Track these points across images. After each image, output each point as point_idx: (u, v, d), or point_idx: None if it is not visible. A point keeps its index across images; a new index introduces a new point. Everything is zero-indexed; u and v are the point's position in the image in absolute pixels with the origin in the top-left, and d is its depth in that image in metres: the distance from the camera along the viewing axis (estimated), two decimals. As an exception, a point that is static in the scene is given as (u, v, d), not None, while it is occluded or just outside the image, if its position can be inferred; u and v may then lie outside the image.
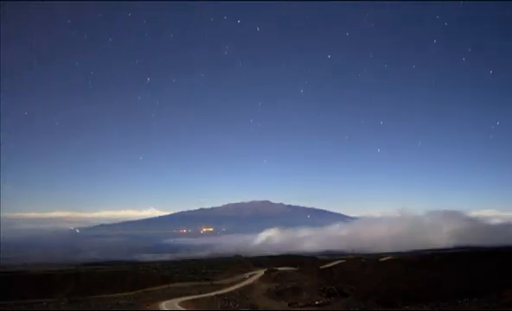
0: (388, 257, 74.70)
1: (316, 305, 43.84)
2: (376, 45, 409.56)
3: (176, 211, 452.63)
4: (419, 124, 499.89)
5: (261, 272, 63.92)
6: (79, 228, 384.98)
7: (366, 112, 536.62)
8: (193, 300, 46.91)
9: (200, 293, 51.12)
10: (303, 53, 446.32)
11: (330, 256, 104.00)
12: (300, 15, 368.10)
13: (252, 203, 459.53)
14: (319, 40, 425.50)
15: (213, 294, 50.07)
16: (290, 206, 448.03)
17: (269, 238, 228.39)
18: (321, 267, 67.17)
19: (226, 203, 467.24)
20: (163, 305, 43.79)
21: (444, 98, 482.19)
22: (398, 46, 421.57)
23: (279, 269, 65.29)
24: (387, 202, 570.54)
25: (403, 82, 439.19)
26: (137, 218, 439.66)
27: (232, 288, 53.95)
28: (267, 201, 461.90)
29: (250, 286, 55.45)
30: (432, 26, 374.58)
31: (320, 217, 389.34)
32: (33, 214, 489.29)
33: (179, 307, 42.66)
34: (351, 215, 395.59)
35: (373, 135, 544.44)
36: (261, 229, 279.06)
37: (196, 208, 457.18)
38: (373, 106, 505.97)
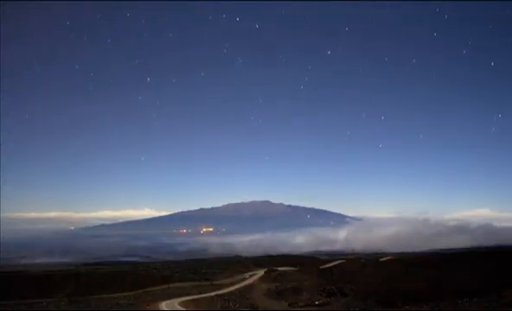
0: (388, 257, 74.73)
1: (316, 305, 43.85)
2: (376, 39, 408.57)
3: (176, 211, 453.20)
4: (420, 118, 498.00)
5: (261, 272, 63.93)
6: (79, 228, 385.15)
7: (367, 108, 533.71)
8: (193, 300, 46.90)
9: (200, 293, 51.11)
10: (302, 49, 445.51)
11: (330, 256, 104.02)
12: (299, 12, 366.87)
13: (252, 203, 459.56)
14: (319, 36, 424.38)
15: (213, 294, 50.05)
16: (290, 206, 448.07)
17: (268, 239, 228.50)
18: (321, 267, 67.16)
19: (226, 203, 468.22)
20: (163, 305, 43.78)
21: (445, 92, 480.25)
22: (398, 39, 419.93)
23: (279, 269, 65.30)
24: (387, 202, 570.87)
25: (404, 76, 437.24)
26: (137, 218, 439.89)
27: (232, 288, 53.94)
28: (267, 201, 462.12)
29: (250, 286, 55.45)
30: (433, 19, 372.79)
31: (320, 217, 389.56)
32: (33, 214, 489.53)
33: (179, 307, 42.66)
34: (351, 215, 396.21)
35: (374, 131, 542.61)
36: (261, 229, 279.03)
37: (196, 208, 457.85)
38: (373, 101, 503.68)
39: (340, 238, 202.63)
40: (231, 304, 44.99)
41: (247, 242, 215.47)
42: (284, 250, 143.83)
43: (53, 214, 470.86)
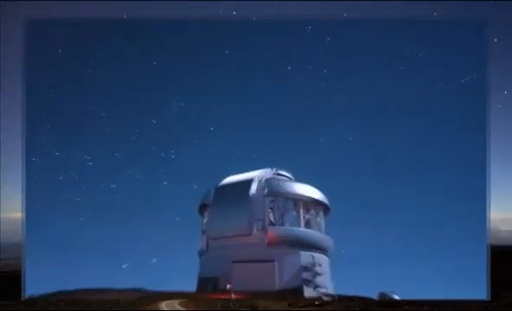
0: (388, 257, 74.34)
1: (316, 305, 43.78)
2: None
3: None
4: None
5: (261, 272, 63.58)
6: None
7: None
8: (193, 300, 46.76)
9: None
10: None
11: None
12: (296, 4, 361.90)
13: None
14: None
15: (213, 294, 49.92)
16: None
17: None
18: (321, 267, 66.83)
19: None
20: (163, 305, 43.59)
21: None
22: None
23: (279, 269, 64.90)
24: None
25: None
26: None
27: (232, 288, 53.68)
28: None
29: (250, 286, 55.12)
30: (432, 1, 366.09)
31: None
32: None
33: (179, 307, 42.52)
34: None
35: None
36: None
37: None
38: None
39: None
40: (231, 304, 44.86)
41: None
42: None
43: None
